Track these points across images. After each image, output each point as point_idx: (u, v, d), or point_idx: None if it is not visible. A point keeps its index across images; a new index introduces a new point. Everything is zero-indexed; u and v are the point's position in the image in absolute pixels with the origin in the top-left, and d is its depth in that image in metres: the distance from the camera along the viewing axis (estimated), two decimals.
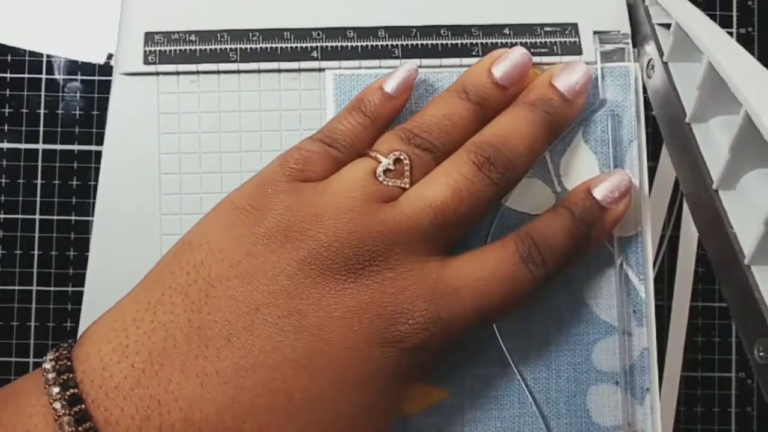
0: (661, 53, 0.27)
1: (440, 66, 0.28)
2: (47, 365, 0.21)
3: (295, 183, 0.24)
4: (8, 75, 0.34)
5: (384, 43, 0.28)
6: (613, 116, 0.27)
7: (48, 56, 0.34)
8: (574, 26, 0.28)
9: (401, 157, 0.24)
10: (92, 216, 0.29)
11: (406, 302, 0.23)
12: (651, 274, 0.27)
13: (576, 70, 0.26)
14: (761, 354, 0.21)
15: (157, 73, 0.28)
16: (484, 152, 0.24)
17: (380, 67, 0.28)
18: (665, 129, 0.28)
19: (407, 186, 0.24)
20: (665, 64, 0.27)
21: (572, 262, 0.25)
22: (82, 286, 0.27)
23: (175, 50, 0.28)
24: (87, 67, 0.34)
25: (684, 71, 0.27)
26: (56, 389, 0.20)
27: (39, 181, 0.33)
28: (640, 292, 0.27)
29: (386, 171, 0.24)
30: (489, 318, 0.24)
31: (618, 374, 0.27)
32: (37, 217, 0.33)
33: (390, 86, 0.26)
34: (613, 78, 0.28)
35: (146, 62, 0.28)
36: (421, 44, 0.28)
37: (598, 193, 0.25)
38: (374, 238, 0.23)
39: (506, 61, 0.26)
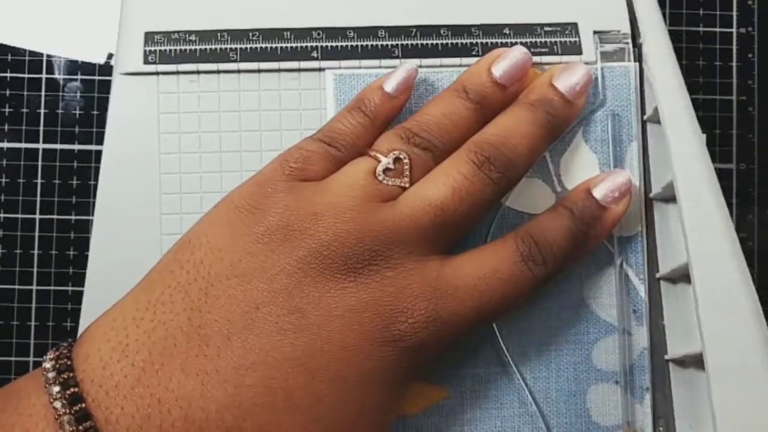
0: (642, 109, 0.28)
1: (440, 66, 0.28)
2: (47, 364, 0.21)
3: (295, 182, 0.24)
4: (8, 74, 0.34)
5: (384, 42, 0.28)
6: (613, 116, 0.27)
7: (48, 56, 0.34)
8: (574, 26, 0.28)
9: (401, 156, 0.24)
10: (92, 215, 0.29)
11: (406, 301, 0.23)
12: (647, 275, 0.27)
13: (577, 70, 0.26)
14: (660, 429, 0.26)
15: (157, 73, 0.28)
16: (485, 152, 0.24)
17: (380, 67, 0.28)
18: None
19: (407, 185, 0.24)
20: (644, 123, 0.27)
21: (572, 261, 0.25)
22: (82, 285, 0.27)
23: (175, 50, 0.28)
24: (87, 67, 0.34)
25: (659, 137, 0.27)
26: (56, 388, 0.20)
27: (39, 181, 0.33)
28: (640, 291, 0.27)
29: (386, 170, 0.24)
30: (489, 317, 0.24)
31: (618, 373, 0.27)
32: (37, 216, 0.33)
33: (390, 86, 0.26)
34: (614, 78, 0.28)
35: (146, 62, 0.28)
36: (421, 44, 0.28)
37: (598, 192, 0.25)
38: (374, 238, 0.23)
39: (506, 60, 0.26)
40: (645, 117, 0.27)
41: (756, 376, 0.23)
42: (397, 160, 0.24)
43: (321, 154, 0.24)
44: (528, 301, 0.25)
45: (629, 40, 0.28)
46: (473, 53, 0.28)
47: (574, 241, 0.25)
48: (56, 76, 0.34)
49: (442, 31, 0.28)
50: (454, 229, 0.24)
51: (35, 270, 0.33)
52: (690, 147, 0.25)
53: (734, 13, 0.35)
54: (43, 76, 0.34)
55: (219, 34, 0.28)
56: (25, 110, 0.34)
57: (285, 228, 0.23)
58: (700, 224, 0.24)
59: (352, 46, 0.28)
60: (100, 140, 0.33)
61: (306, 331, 0.22)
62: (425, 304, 0.23)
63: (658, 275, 0.27)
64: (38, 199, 0.33)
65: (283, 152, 0.25)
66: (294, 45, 0.28)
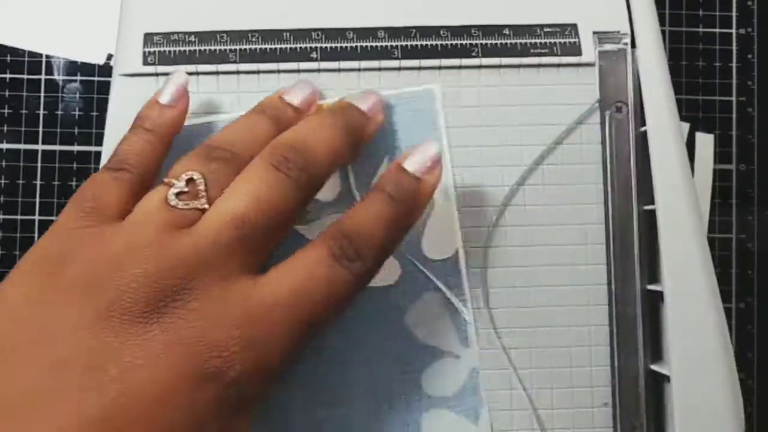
0: (643, 121, 0.28)
1: (440, 67, 0.28)
2: None
3: (93, 225, 0.22)
4: (7, 75, 0.34)
5: (383, 43, 0.28)
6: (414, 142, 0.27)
7: (47, 57, 0.34)
8: (574, 27, 0.28)
9: (194, 177, 0.22)
10: None
11: (216, 333, 0.20)
12: (470, 294, 0.27)
13: (368, 98, 0.26)
14: None
15: (157, 74, 0.28)
16: (282, 152, 0.23)
17: (380, 68, 0.28)
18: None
19: (205, 206, 0.22)
20: (644, 133, 0.28)
21: (393, 246, 0.24)
22: None
23: (175, 51, 0.28)
24: (86, 68, 0.34)
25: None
26: None
27: (38, 182, 0.33)
28: (464, 313, 0.27)
29: (179, 194, 0.22)
30: (314, 327, 0.22)
31: (450, 398, 0.26)
32: (37, 218, 0.33)
33: (165, 97, 0.25)
34: (415, 101, 0.28)
35: (146, 63, 0.28)
36: (421, 45, 0.28)
37: (410, 165, 0.24)
38: (173, 271, 0.21)
39: (297, 88, 0.26)
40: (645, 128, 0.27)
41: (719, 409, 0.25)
42: (190, 181, 0.22)
43: (111, 183, 0.23)
44: (354, 300, 0.23)
45: (629, 40, 0.28)
46: (473, 54, 0.28)
47: (392, 226, 0.23)
48: (55, 77, 0.34)
49: (441, 32, 0.28)
50: (262, 240, 0.22)
51: None
52: (673, 178, 0.26)
53: (734, 14, 0.35)
54: (43, 77, 0.34)
55: (218, 35, 0.28)
56: (24, 111, 0.34)
57: (85, 278, 0.21)
58: (678, 262, 0.26)
59: (351, 47, 0.28)
60: (99, 141, 0.33)
61: (110, 388, 0.19)
62: (239, 332, 0.21)
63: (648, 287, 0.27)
64: (37, 200, 0.33)
65: (75, 193, 0.23)
66: (293, 46, 0.28)
